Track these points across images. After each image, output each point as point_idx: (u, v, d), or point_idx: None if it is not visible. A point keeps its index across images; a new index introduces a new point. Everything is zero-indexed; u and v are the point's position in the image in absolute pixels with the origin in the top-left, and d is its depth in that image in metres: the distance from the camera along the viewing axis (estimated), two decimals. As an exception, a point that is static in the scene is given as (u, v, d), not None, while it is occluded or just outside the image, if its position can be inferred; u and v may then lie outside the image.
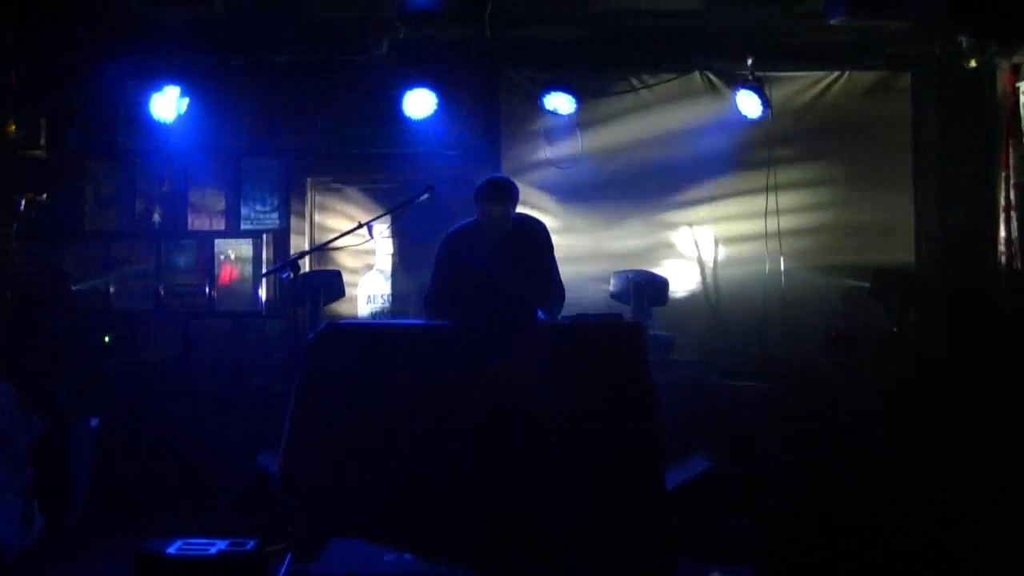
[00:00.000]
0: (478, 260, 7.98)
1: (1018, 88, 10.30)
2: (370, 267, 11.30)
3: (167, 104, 10.51)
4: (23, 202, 10.73)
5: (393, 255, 11.21)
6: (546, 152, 11.06)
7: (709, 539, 8.04)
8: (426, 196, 8.30)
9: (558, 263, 8.37)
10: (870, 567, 6.26)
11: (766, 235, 10.88)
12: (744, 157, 11.05)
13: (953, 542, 6.64)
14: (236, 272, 11.14)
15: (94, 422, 10.04)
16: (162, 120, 10.64)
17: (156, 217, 11.18)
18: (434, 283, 8.16)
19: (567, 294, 8.37)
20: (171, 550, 6.85)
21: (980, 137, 10.72)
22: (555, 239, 8.38)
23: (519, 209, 8.29)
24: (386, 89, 10.88)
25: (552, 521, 7.11)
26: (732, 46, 10.69)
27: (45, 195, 10.83)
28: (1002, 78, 10.49)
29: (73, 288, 10.80)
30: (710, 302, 11.01)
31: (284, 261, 8.38)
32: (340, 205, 11.43)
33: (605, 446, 7.19)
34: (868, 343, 10.09)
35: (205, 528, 7.62)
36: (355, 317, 10.93)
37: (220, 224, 11.21)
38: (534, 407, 7.17)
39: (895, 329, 10.06)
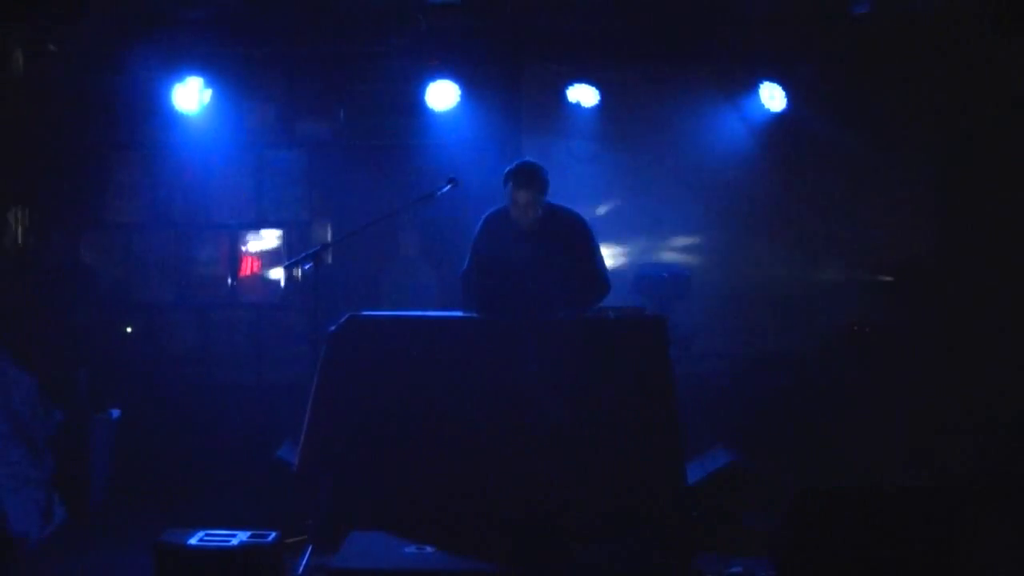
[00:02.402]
0: (505, 247, 7.95)
1: (1044, 79, 10.26)
2: (392, 259, 11.29)
3: (190, 95, 10.54)
4: (45, 193, 10.75)
5: (415, 247, 11.20)
6: (569, 143, 11.04)
7: (731, 532, 8.02)
8: (448, 188, 8.26)
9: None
10: (891, 560, 6.24)
11: (788, 228, 10.87)
12: (767, 149, 11.03)
13: (974, 535, 6.61)
14: (257, 263, 11.15)
15: (115, 413, 10.06)
16: (185, 111, 10.67)
17: (177, 208, 11.18)
18: (470, 259, 8.13)
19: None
20: (192, 541, 6.84)
21: (1004, 130, 10.66)
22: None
23: (559, 202, 8.25)
24: (408, 80, 10.89)
25: (573, 513, 7.10)
26: (756, 37, 10.65)
27: (66, 186, 10.84)
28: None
29: (95, 279, 10.80)
30: (733, 296, 10.99)
31: (306, 252, 8.35)
32: (362, 196, 11.44)
33: (625, 439, 7.18)
34: (888, 338, 10.05)
35: (226, 519, 7.62)
36: (376, 309, 10.92)
37: (242, 215, 11.21)
38: (555, 400, 7.16)
39: (915, 325, 10.02)
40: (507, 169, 8.09)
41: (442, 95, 10.60)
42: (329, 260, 10.24)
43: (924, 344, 10.08)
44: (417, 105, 10.81)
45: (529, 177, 7.99)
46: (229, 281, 11.14)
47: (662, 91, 11.09)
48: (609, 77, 10.89)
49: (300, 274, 10.92)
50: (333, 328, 7.49)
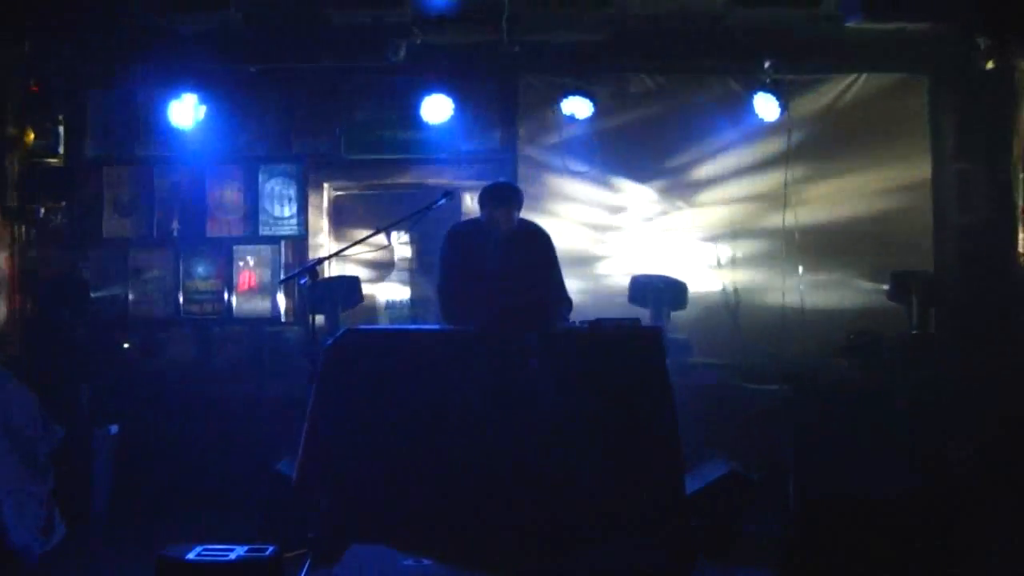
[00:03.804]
0: (484, 256, 7.99)
1: (1036, 89, 10.28)
2: (388, 272, 11.31)
3: (185, 111, 10.54)
4: (42, 210, 10.75)
5: (411, 260, 11.23)
6: (563, 156, 11.05)
7: (729, 542, 8.03)
8: (444, 201, 8.29)
9: (574, 267, 8.36)
10: (891, 568, 6.25)
11: (784, 237, 10.88)
12: (762, 159, 11.06)
13: (976, 544, 6.63)
14: (254, 278, 11.16)
15: (114, 429, 10.08)
16: (180, 127, 10.67)
17: (175, 224, 11.19)
18: (442, 277, 8.19)
19: (586, 298, 8.38)
20: (191, 556, 6.85)
21: (999, 138, 10.68)
22: (572, 242, 8.37)
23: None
24: (404, 95, 10.92)
25: (572, 525, 7.11)
26: (750, 49, 10.67)
27: (64, 203, 10.85)
28: (1021, 79, 10.46)
29: (92, 295, 10.82)
30: (729, 305, 10.99)
31: (302, 267, 8.37)
32: (358, 211, 11.46)
33: (624, 450, 7.18)
34: (887, 345, 10.05)
35: (225, 533, 7.63)
36: (374, 322, 10.93)
37: (238, 230, 11.22)
38: (552, 411, 7.16)
39: (914, 331, 10.03)
40: (483, 190, 8.17)
41: (437, 109, 10.60)
42: (326, 274, 10.25)
43: (922, 350, 10.08)
44: (413, 119, 10.82)
45: (505, 196, 8.13)
46: (227, 296, 11.14)
47: (657, 102, 11.12)
48: (604, 89, 10.92)
49: (297, 288, 10.94)
50: (330, 341, 7.50)
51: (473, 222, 8.30)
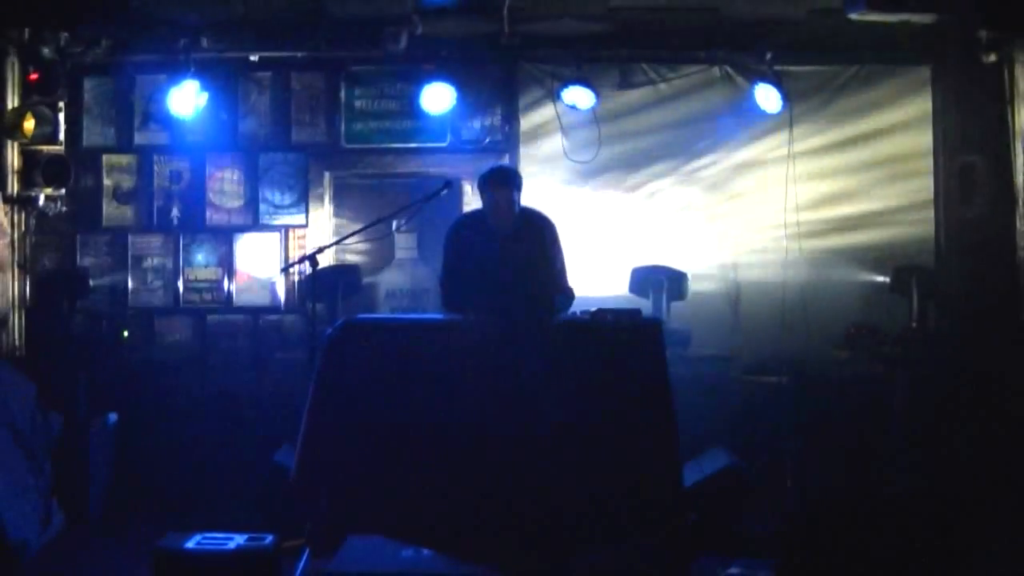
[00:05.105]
0: (485, 252, 7.95)
1: (1037, 81, 10.24)
2: (389, 262, 11.29)
3: (185, 99, 10.49)
4: (41, 198, 10.72)
5: (412, 250, 11.21)
6: (564, 146, 11.02)
7: (729, 534, 8.02)
8: (444, 191, 8.28)
9: (575, 258, 8.32)
10: (891, 563, 6.23)
11: (785, 229, 10.85)
12: (763, 151, 11.04)
13: (975, 538, 6.61)
14: (255, 267, 11.12)
15: (112, 418, 10.07)
16: (180, 115, 10.64)
17: (174, 212, 11.15)
18: (445, 270, 8.14)
19: (586, 287, 8.34)
20: (189, 545, 6.86)
21: (1000, 131, 10.65)
22: (573, 233, 8.31)
23: (527, 203, 8.24)
24: (404, 84, 10.91)
25: (570, 516, 7.10)
26: (752, 40, 10.65)
27: (63, 191, 10.82)
28: (1022, 71, 10.43)
29: (92, 284, 10.79)
30: (729, 297, 10.97)
31: (302, 256, 8.34)
32: (358, 200, 11.44)
33: (623, 441, 7.17)
34: (888, 338, 10.04)
35: (224, 523, 7.63)
36: (373, 312, 10.91)
37: (238, 219, 11.18)
38: (552, 402, 7.15)
39: (915, 324, 10.02)
40: (481, 176, 8.12)
41: (438, 98, 10.58)
42: (326, 264, 10.22)
43: (923, 344, 10.07)
44: (413, 108, 10.81)
45: (504, 177, 8.04)
46: (226, 285, 11.11)
47: (657, 93, 11.09)
48: (604, 79, 10.88)
49: (297, 278, 10.91)
50: (329, 332, 7.49)
51: (476, 214, 8.25)
